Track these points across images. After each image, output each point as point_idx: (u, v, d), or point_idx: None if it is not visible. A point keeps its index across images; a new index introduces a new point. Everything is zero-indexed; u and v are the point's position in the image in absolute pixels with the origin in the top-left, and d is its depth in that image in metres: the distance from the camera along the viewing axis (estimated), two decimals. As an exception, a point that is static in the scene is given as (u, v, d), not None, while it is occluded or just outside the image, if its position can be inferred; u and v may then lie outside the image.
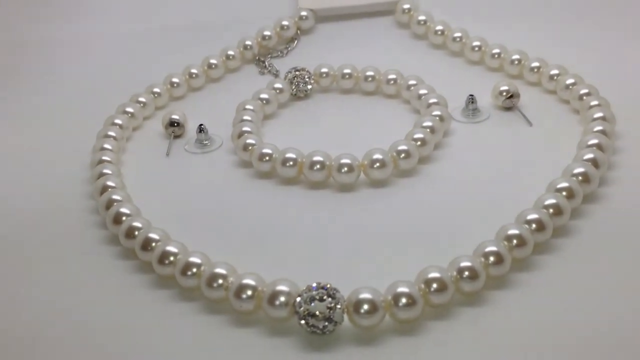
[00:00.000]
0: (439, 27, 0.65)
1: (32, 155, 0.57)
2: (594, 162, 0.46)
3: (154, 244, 0.43)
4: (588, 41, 0.63)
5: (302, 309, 0.37)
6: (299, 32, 0.69)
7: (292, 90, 0.60)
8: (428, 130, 0.52)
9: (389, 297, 0.38)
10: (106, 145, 0.53)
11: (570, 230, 0.44)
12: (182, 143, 0.56)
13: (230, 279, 0.40)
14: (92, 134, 0.55)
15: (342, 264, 0.43)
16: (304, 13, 0.69)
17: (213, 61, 0.64)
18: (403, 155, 0.50)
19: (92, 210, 0.49)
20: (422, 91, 0.57)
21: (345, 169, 0.49)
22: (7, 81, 0.67)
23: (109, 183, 0.49)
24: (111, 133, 0.55)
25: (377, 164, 0.49)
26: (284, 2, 0.72)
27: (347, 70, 0.61)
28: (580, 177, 0.45)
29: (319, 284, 0.38)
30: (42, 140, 0.58)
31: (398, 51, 0.66)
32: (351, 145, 0.51)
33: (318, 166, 0.50)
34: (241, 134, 0.53)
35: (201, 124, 0.56)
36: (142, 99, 0.60)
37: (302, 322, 0.37)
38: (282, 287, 0.38)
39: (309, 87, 0.61)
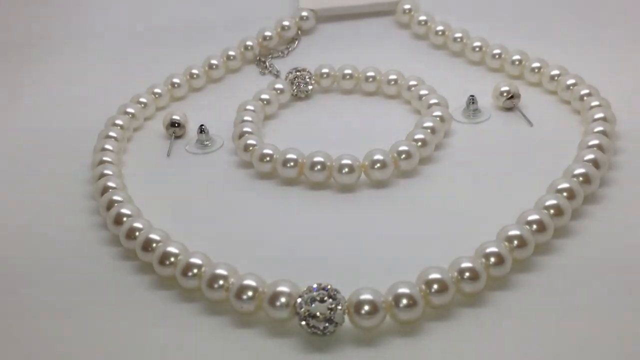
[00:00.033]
0: (440, 28, 0.65)
1: (32, 155, 0.57)
2: (595, 163, 0.46)
3: (154, 245, 0.43)
4: (589, 41, 0.63)
5: (302, 309, 0.37)
6: (299, 32, 0.69)
7: (293, 90, 0.60)
8: (429, 130, 0.52)
9: (390, 298, 0.38)
10: (107, 146, 0.53)
11: (571, 231, 0.44)
12: (183, 143, 0.56)
13: (231, 280, 0.40)
14: (93, 134, 0.55)
15: (343, 264, 0.43)
16: (304, 13, 0.69)
17: (214, 61, 0.64)
18: (404, 155, 0.50)
19: (93, 211, 0.49)
20: (423, 92, 0.57)
21: (346, 169, 0.49)
22: (8, 81, 0.67)
23: (110, 184, 0.49)
24: (112, 134, 0.55)
25: (378, 165, 0.49)
26: (285, 3, 0.72)
27: (347, 71, 0.61)
28: (581, 178, 0.45)
29: (319, 284, 0.38)
30: (43, 141, 0.58)
31: (399, 52, 0.66)
32: (352, 145, 0.51)
33: (319, 167, 0.50)
34: (242, 135, 0.53)
35: (202, 125, 0.56)
36: (143, 100, 0.60)
37: (303, 323, 0.37)
38: (282, 288, 0.38)
39: (310, 87, 0.61)
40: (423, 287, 0.39)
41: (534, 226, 0.42)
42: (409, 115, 0.58)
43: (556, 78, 0.57)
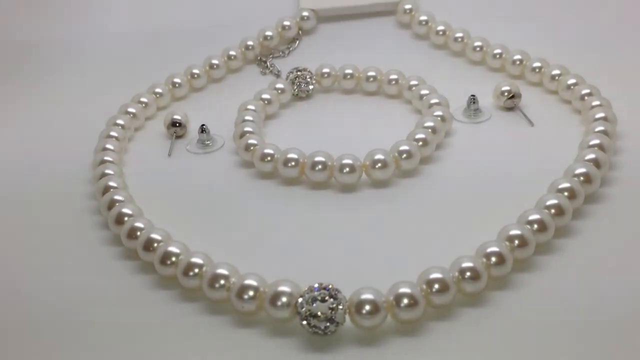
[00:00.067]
0: (441, 28, 0.65)
1: (33, 155, 0.57)
2: (596, 163, 0.46)
3: (155, 245, 0.43)
4: (589, 41, 0.63)
5: (304, 309, 0.37)
6: (300, 32, 0.69)
7: (294, 90, 0.60)
8: (430, 130, 0.52)
9: (391, 298, 0.38)
10: (108, 146, 0.53)
11: (572, 231, 0.44)
12: (184, 143, 0.56)
13: (232, 280, 0.40)
14: (94, 134, 0.55)
15: (344, 264, 0.43)
16: (305, 13, 0.69)
17: (215, 61, 0.64)
18: (405, 155, 0.50)
19: (94, 211, 0.49)
20: (424, 91, 0.57)
21: (347, 169, 0.49)
22: (8, 81, 0.67)
23: (111, 183, 0.49)
24: (113, 133, 0.55)
25: (379, 165, 0.49)
26: (286, 3, 0.72)
27: (348, 71, 0.61)
28: (581, 178, 0.45)
29: (320, 284, 0.38)
30: (44, 141, 0.58)
31: (399, 51, 0.66)
32: (353, 145, 0.51)
33: (320, 166, 0.50)
34: (243, 134, 0.53)
35: (203, 124, 0.56)
36: (144, 100, 0.60)
37: (304, 322, 0.37)
38: (283, 288, 0.38)
39: (311, 87, 0.61)
40: (424, 286, 0.39)
41: (535, 226, 0.42)
42: (409, 115, 0.58)
43: (557, 78, 0.57)
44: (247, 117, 0.55)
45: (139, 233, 0.44)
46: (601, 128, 0.49)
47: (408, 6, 0.68)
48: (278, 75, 0.64)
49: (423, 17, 0.66)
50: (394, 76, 0.59)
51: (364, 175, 0.50)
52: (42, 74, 0.68)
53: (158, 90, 0.61)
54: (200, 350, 0.38)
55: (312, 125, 0.58)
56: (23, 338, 0.40)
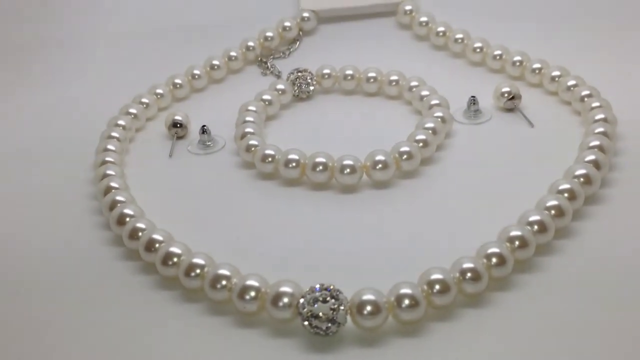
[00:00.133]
0: (441, 29, 0.65)
1: (34, 156, 0.57)
2: (596, 164, 0.47)
3: (157, 245, 0.43)
4: (589, 42, 0.64)
5: (305, 310, 0.37)
6: (301, 33, 0.69)
7: (295, 91, 0.61)
8: (430, 131, 0.52)
9: (392, 299, 0.38)
10: (109, 146, 0.53)
11: (572, 232, 0.44)
12: (185, 144, 0.57)
13: (234, 280, 0.40)
14: (95, 135, 0.55)
15: (345, 265, 0.43)
16: (306, 14, 0.69)
17: (215, 62, 0.64)
18: (405, 156, 0.50)
19: (96, 211, 0.50)
20: (424, 92, 0.57)
21: (348, 170, 0.49)
22: (8, 81, 0.67)
23: (113, 184, 0.49)
24: (114, 134, 0.55)
25: (380, 165, 0.49)
26: (286, 3, 0.72)
27: (349, 72, 0.61)
28: (581, 179, 0.46)
29: (322, 285, 0.38)
30: (45, 141, 0.58)
31: (400, 52, 0.66)
32: (353, 146, 0.51)
33: (320, 167, 0.50)
34: (244, 135, 0.53)
35: (204, 125, 0.56)
36: (145, 100, 0.60)
37: (306, 323, 0.37)
38: (285, 289, 0.38)
39: (311, 88, 0.61)
40: (425, 287, 0.39)
41: (535, 227, 0.42)
42: (410, 116, 0.58)
43: (557, 79, 0.57)
44: (247, 118, 0.55)
45: (140, 234, 0.44)
46: (601, 129, 0.49)
47: (408, 7, 0.68)
48: (279, 76, 0.65)
49: (423, 18, 0.67)
50: (394, 77, 0.60)
51: (364, 176, 0.50)
52: (42, 74, 0.68)
53: (159, 90, 0.61)
54: (202, 350, 0.39)
55: (313, 126, 0.58)
56: (24, 338, 0.40)
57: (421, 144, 0.51)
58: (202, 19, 0.73)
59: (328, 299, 0.37)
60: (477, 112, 0.56)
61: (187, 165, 0.54)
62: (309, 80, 0.61)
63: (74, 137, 0.58)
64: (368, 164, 0.50)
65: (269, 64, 0.66)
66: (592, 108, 0.52)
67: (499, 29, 0.65)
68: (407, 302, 0.38)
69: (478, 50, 0.62)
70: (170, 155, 0.55)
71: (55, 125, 0.60)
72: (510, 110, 0.57)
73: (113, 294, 0.43)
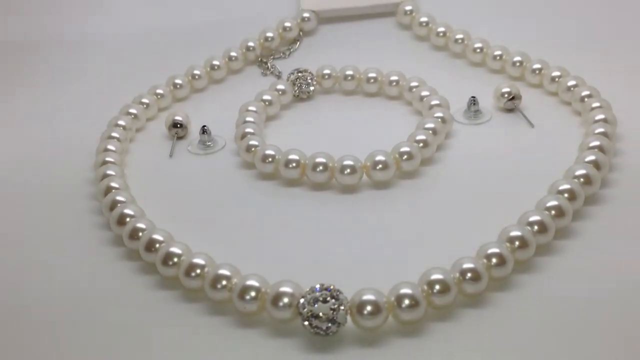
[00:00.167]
0: (441, 29, 0.65)
1: (35, 156, 0.57)
2: (596, 164, 0.47)
3: (157, 245, 0.43)
4: (589, 43, 0.64)
5: (305, 310, 0.37)
6: (301, 33, 0.69)
7: (295, 91, 0.61)
8: (430, 131, 0.52)
9: (392, 299, 0.38)
10: (110, 147, 0.53)
11: (572, 232, 0.44)
12: (185, 144, 0.57)
13: (234, 280, 0.40)
14: (95, 135, 0.55)
15: (345, 265, 0.43)
16: (306, 14, 0.69)
17: (216, 62, 0.64)
18: (405, 156, 0.50)
19: (96, 211, 0.50)
20: (424, 93, 0.57)
21: (348, 170, 0.49)
22: (9, 82, 0.67)
23: (113, 184, 0.49)
24: (115, 134, 0.55)
25: (380, 166, 0.49)
26: (286, 4, 0.72)
27: (349, 72, 0.61)
28: (581, 179, 0.46)
29: (322, 285, 0.38)
30: (45, 142, 0.58)
31: (400, 53, 0.66)
32: (353, 146, 0.51)
33: (321, 168, 0.50)
34: (244, 135, 0.53)
35: (204, 125, 0.56)
36: (145, 100, 0.60)
37: (306, 323, 0.37)
38: (285, 289, 0.39)
39: (312, 88, 0.61)
40: (425, 287, 0.39)
41: (535, 227, 0.42)
42: (410, 116, 0.58)
43: (557, 79, 0.57)
44: (248, 118, 0.56)
45: (140, 234, 0.44)
46: (601, 130, 0.50)
47: (408, 7, 0.68)
48: (279, 77, 0.65)
49: (423, 19, 0.67)
50: (394, 77, 0.60)
51: (364, 177, 0.50)
52: (42, 74, 0.68)
53: (159, 91, 0.61)
54: (202, 350, 0.39)
55: (313, 126, 0.58)
56: (24, 338, 0.40)
57: (421, 144, 0.51)
58: (202, 19, 0.73)
59: (328, 299, 0.37)
60: (477, 112, 0.56)
61: (188, 166, 0.54)
62: (309, 81, 0.61)
63: (74, 137, 0.58)
64: (368, 164, 0.50)
65: (269, 64, 0.66)
66: (592, 108, 0.53)
67: (499, 29, 0.65)
68: (407, 302, 0.38)
69: (478, 50, 0.62)
70: (171, 156, 0.55)
71: (55, 126, 0.60)
72: (510, 110, 0.57)
73: (113, 294, 0.43)
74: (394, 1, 0.69)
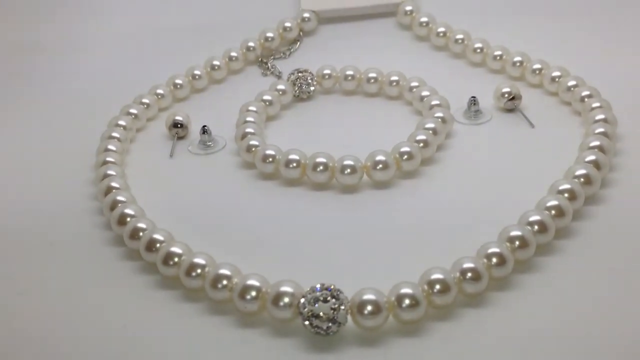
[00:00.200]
0: (441, 29, 0.65)
1: (35, 157, 0.57)
2: (596, 164, 0.47)
3: (158, 245, 0.43)
4: (590, 43, 0.64)
5: (306, 310, 0.37)
6: (301, 33, 0.69)
7: (295, 91, 0.61)
8: (430, 132, 0.52)
9: (393, 298, 0.38)
10: (110, 147, 0.53)
11: (572, 232, 0.44)
12: (185, 144, 0.57)
13: (235, 280, 0.40)
14: (96, 135, 0.55)
15: (346, 265, 0.43)
16: (306, 14, 0.69)
17: (216, 62, 0.64)
18: (406, 156, 0.50)
19: (97, 211, 0.50)
20: (425, 93, 0.57)
21: (348, 170, 0.49)
22: (9, 82, 0.67)
23: (113, 184, 0.49)
24: (115, 134, 0.55)
25: (380, 166, 0.49)
26: (287, 4, 0.72)
27: (349, 72, 0.61)
28: (582, 179, 0.46)
29: (322, 285, 0.38)
30: (46, 142, 0.58)
31: (400, 53, 0.66)
32: (354, 146, 0.52)
33: (321, 167, 0.50)
34: (244, 135, 0.53)
35: (204, 126, 0.56)
36: (145, 100, 0.60)
37: (306, 323, 0.37)
38: (286, 288, 0.39)
39: (312, 88, 0.61)
40: (425, 287, 0.39)
41: (536, 227, 0.42)
42: (410, 116, 0.58)
43: (557, 79, 0.57)
44: (248, 119, 0.56)
45: (141, 234, 0.44)
46: (601, 130, 0.50)
47: (409, 8, 0.68)
48: (279, 77, 0.65)
49: (424, 19, 0.67)
50: (394, 77, 0.60)
51: (365, 177, 0.50)
52: (42, 74, 0.68)
53: (159, 91, 0.61)
54: (202, 350, 0.39)
55: (313, 126, 0.58)
56: (24, 338, 0.40)
57: (421, 144, 0.51)
58: (202, 19, 0.73)
59: (329, 298, 0.37)
60: (478, 112, 0.56)
61: (188, 166, 0.54)
62: (310, 81, 0.61)
63: (75, 137, 0.58)
64: (368, 164, 0.50)
65: (269, 65, 0.66)
66: (592, 108, 0.53)
67: (499, 30, 0.65)
68: (407, 301, 0.38)
69: (478, 50, 0.62)
70: (171, 156, 0.55)
71: (55, 126, 0.60)
72: (510, 110, 0.57)
73: (114, 294, 0.43)
74: (394, 1, 0.69)
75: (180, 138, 0.57)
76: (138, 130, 0.59)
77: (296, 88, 0.60)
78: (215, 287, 0.40)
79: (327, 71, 0.61)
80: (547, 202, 0.44)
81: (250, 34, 0.67)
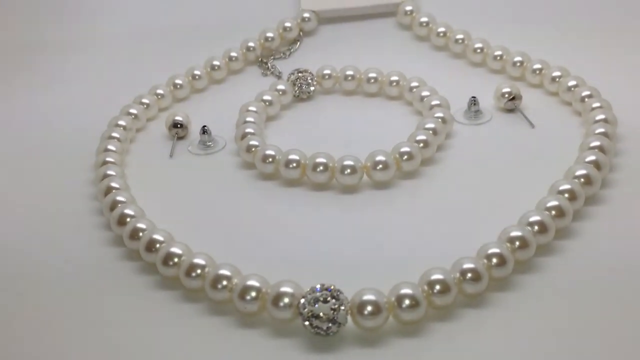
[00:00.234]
0: (441, 29, 0.65)
1: (34, 157, 0.57)
2: (596, 164, 0.47)
3: (158, 245, 0.43)
4: (590, 43, 0.64)
5: (306, 310, 0.37)
6: (301, 33, 0.69)
7: (295, 91, 0.61)
8: (430, 132, 0.52)
9: (393, 299, 0.38)
10: (110, 147, 0.53)
11: (572, 232, 0.44)
12: (185, 144, 0.57)
13: (235, 281, 0.40)
14: (95, 135, 0.55)
15: (346, 265, 0.43)
16: (306, 14, 0.69)
17: (216, 62, 0.64)
18: (406, 157, 0.50)
19: (96, 211, 0.50)
20: (425, 93, 0.57)
21: (348, 170, 0.49)
22: (9, 82, 0.67)
23: (113, 184, 0.49)
24: (115, 134, 0.55)
25: (380, 166, 0.49)
26: (287, 4, 0.72)
27: (349, 72, 0.61)
28: (582, 179, 0.46)
29: (322, 285, 0.38)
30: (45, 142, 0.58)
31: (400, 53, 0.66)
32: (354, 147, 0.52)
33: (321, 168, 0.50)
34: (244, 136, 0.53)
35: (204, 126, 0.56)
36: (145, 101, 0.60)
37: (306, 323, 0.37)
38: (286, 289, 0.39)
39: (312, 88, 0.61)
40: (425, 287, 0.39)
41: (536, 227, 0.42)
42: (410, 116, 0.58)
43: (557, 79, 0.57)
44: (248, 119, 0.56)
45: (141, 234, 0.44)
46: (601, 130, 0.50)
47: (409, 8, 0.68)
48: (279, 77, 0.65)
49: (424, 19, 0.67)
50: (394, 78, 0.60)
51: (365, 177, 0.50)
52: (42, 74, 0.68)
53: (159, 91, 0.61)
54: (202, 350, 0.39)
55: (313, 126, 0.58)
56: (24, 338, 0.40)
57: (422, 145, 0.51)
58: (202, 19, 0.73)
59: (329, 299, 0.37)
60: (478, 112, 0.56)
61: (188, 166, 0.54)
62: (310, 81, 0.61)
63: (74, 137, 0.58)
64: (368, 164, 0.50)
65: (269, 65, 0.66)
66: (593, 109, 0.52)
67: (500, 29, 0.65)
68: (407, 302, 0.38)
69: (478, 50, 0.62)
70: (171, 156, 0.55)
71: (55, 126, 0.60)
72: (510, 110, 0.57)
73: (113, 294, 0.43)
74: (395, 1, 0.69)
75: (180, 138, 0.57)
76: (138, 130, 0.59)
77: (296, 88, 0.60)
78: (215, 288, 0.40)
79: (327, 71, 0.61)
80: (547, 202, 0.44)
81: (250, 34, 0.67)
